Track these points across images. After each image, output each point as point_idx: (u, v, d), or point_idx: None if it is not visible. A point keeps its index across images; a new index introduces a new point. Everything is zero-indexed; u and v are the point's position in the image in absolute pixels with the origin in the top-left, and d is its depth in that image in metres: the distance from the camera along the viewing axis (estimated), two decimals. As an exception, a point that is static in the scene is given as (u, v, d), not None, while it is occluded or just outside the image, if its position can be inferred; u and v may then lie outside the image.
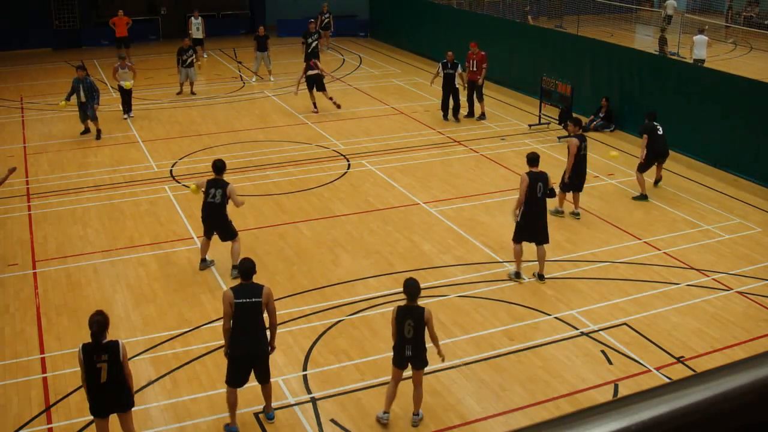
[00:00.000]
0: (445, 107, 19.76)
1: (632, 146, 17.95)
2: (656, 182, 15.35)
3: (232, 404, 8.11)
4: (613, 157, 16.49)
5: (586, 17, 31.99)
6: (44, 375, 9.32)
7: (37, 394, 8.95)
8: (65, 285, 11.52)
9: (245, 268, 8.10)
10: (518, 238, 11.29)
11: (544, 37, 22.52)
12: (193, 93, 22.67)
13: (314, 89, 20.40)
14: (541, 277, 11.42)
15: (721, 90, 16.46)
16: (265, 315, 8.13)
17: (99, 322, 7.22)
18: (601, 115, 19.11)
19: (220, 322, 8.72)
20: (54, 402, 8.77)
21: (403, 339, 8.03)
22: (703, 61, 23.65)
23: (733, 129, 16.16)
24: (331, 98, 20.42)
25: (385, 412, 8.33)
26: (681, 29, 29.08)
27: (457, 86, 19.48)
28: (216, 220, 11.31)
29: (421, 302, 10.79)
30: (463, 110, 19.92)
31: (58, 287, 11.45)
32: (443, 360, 8.44)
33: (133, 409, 7.68)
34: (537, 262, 11.43)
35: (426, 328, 8.06)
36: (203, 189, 11.40)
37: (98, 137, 18.30)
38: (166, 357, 9.65)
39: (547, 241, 11.33)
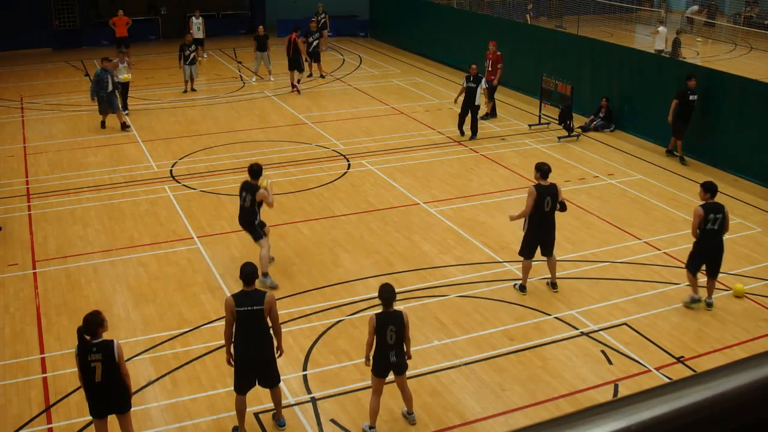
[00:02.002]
0: (461, 123, 18.44)
1: (632, 146, 17.97)
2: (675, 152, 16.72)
3: (241, 411, 8.06)
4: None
5: (586, 17, 31.98)
6: (44, 375, 9.31)
7: (37, 394, 8.95)
8: (65, 285, 11.52)
9: (246, 273, 7.93)
10: (527, 252, 10.93)
11: (544, 37, 22.52)
12: (193, 89, 22.72)
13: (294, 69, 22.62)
14: (554, 285, 11.18)
15: (721, 90, 16.45)
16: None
17: (88, 320, 7.20)
18: (601, 115, 19.11)
19: (220, 322, 8.73)
20: (54, 402, 8.77)
21: (385, 346, 7.97)
22: (662, 51, 23.87)
23: (733, 129, 16.15)
24: (296, 83, 22.70)
25: (371, 427, 8.22)
26: (681, 29, 29.06)
27: (477, 104, 18.08)
28: (245, 222, 11.23)
29: (418, 303, 10.86)
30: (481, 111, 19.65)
31: (58, 287, 11.45)
32: (409, 359, 8.28)
33: (132, 409, 7.68)
34: (535, 261, 11.42)
35: (404, 331, 8.01)
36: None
37: (124, 128, 18.95)
38: (166, 357, 9.65)
39: (551, 254, 11.08)
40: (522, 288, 11.13)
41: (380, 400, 8.20)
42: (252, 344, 7.90)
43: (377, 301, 10.80)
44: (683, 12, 32.87)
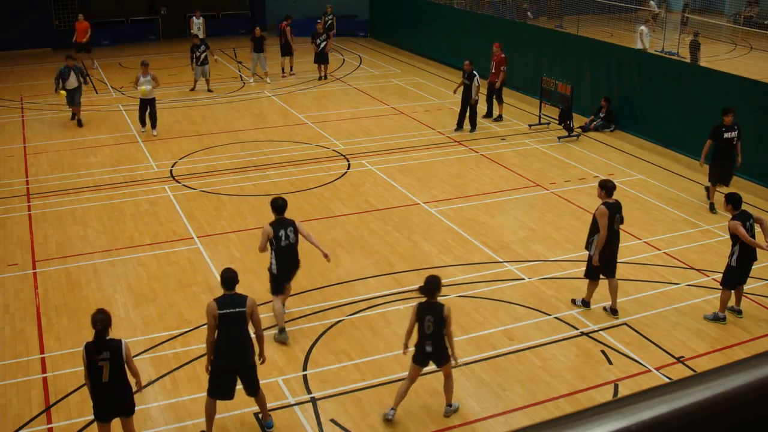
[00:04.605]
0: (459, 120, 18.81)
1: (632, 146, 17.96)
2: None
3: (211, 415, 8.00)
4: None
5: (586, 17, 31.98)
6: (44, 375, 9.32)
7: (37, 394, 8.95)
8: (65, 285, 11.52)
9: (227, 278, 7.98)
10: (593, 274, 10.39)
11: (544, 37, 22.52)
12: (209, 90, 22.72)
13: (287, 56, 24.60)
14: (614, 311, 10.52)
15: (721, 90, 16.45)
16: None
17: (103, 320, 7.20)
18: (601, 115, 19.11)
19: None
20: (54, 402, 8.77)
21: (423, 335, 8.11)
22: (644, 50, 23.74)
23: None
24: (291, 68, 24.86)
25: (392, 409, 8.34)
26: (680, 29, 29.07)
27: (474, 98, 18.34)
28: (295, 261, 10.09)
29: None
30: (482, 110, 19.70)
31: (58, 287, 11.45)
32: (455, 362, 8.39)
33: (137, 409, 7.67)
34: (535, 261, 11.43)
35: (444, 324, 8.12)
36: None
37: (80, 125, 19.42)
38: (166, 357, 9.65)
39: (614, 275, 10.43)
40: (614, 311, 10.49)
41: (410, 387, 8.31)
42: (234, 349, 7.87)
43: (378, 301, 10.87)
44: (683, 12, 32.82)
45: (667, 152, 17.51)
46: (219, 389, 7.96)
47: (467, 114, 18.75)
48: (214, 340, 7.85)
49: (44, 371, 9.39)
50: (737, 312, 10.56)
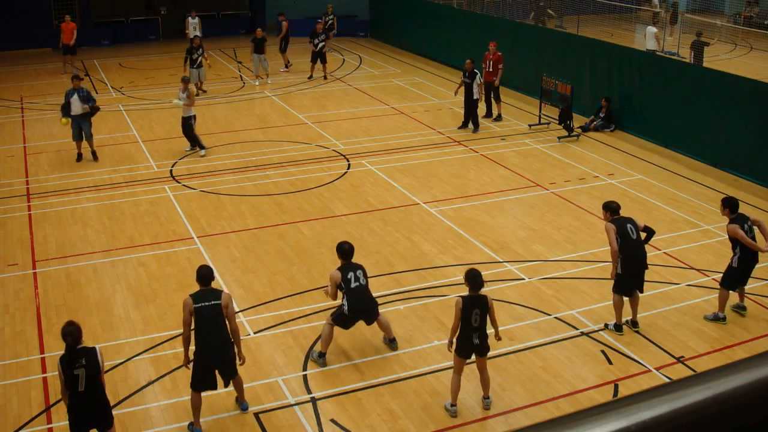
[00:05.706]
0: (465, 118, 19.09)
1: (632, 146, 17.96)
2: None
3: (197, 407, 8.14)
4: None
5: (586, 17, 31.97)
6: (44, 375, 9.32)
7: (37, 394, 8.95)
8: (65, 285, 11.52)
9: (203, 274, 8.20)
10: (621, 289, 9.97)
11: (544, 37, 22.52)
12: (203, 91, 22.62)
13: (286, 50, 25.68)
14: (635, 324, 10.19)
15: (721, 90, 16.45)
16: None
17: (72, 333, 7.16)
18: (601, 115, 19.11)
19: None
20: (54, 402, 8.77)
21: (470, 328, 8.24)
22: (654, 51, 23.66)
23: (733, 129, 16.15)
24: (287, 63, 25.76)
25: (452, 405, 8.47)
26: (681, 29, 29.07)
27: (475, 98, 18.62)
28: (370, 302, 9.52)
29: (418, 303, 10.86)
30: (480, 110, 19.75)
31: (58, 287, 11.45)
32: (499, 340, 8.62)
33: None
34: (535, 261, 11.41)
35: (489, 314, 8.30)
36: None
37: (95, 158, 16.90)
38: (166, 357, 9.65)
39: (642, 290, 10.14)
40: (618, 328, 10.09)
41: (461, 378, 8.47)
42: (213, 342, 8.06)
43: (378, 301, 10.84)
44: (683, 12, 32.79)
45: (667, 152, 17.51)
46: (204, 383, 8.15)
47: (471, 113, 18.84)
48: (190, 335, 8.05)
49: (44, 371, 9.39)
50: (741, 308, 10.56)
